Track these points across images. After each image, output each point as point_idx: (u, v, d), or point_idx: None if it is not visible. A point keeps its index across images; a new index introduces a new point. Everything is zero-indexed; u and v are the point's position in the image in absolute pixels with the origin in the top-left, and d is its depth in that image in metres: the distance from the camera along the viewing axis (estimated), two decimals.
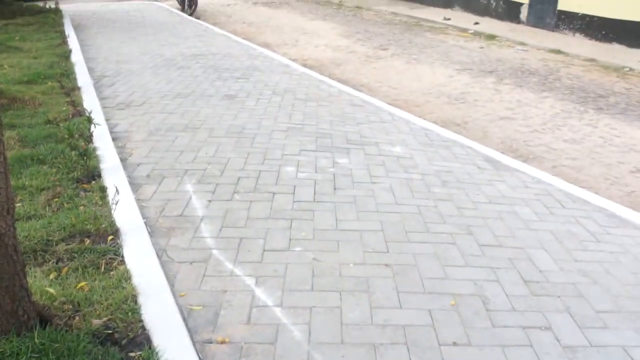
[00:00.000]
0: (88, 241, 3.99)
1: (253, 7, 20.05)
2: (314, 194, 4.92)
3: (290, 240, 4.15)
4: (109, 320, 3.22)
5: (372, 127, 6.81)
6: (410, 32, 15.01)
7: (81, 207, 4.47)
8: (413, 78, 10.16)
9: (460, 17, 17.15)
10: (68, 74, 8.50)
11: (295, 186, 5.04)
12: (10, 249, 2.88)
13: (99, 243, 3.98)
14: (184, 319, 3.29)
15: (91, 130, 5.18)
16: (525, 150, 6.74)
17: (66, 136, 5.22)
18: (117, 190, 4.34)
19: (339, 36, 14.41)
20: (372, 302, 3.50)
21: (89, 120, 5.10)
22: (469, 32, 15.24)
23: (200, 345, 3.11)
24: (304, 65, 10.58)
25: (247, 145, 5.96)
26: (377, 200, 4.88)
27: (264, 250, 4.00)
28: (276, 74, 9.33)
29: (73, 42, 11.53)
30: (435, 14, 17.52)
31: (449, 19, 16.84)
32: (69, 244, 3.96)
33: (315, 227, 4.36)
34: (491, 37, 14.49)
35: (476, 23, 16.17)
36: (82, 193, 4.75)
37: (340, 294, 3.56)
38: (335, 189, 5.04)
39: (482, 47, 13.28)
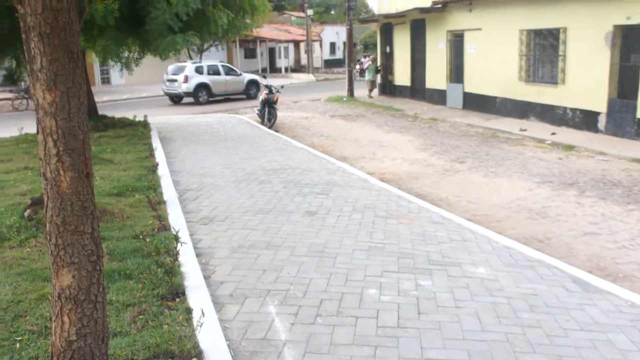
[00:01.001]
0: None
1: (330, 119, 20.58)
2: (398, 319, 4.80)
3: None
4: None
5: (454, 246, 6.70)
6: (487, 144, 15.00)
7: (165, 326, 4.50)
8: (492, 192, 10.04)
9: (536, 128, 17.06)
10: (155, 187, 8.83)
11: (378, 310, 4.94)
12: None
13: None
14: None
15: (177, 249, 5.28)
16: (614, 269, 6.45)
17: (153, 253, 5.34)
18: (202, 313, 4.36)
19: (415, 149, 14.53)
20: None
21: (176, 239, 5.21)
22: (547, 142, 15.11)
23: None
24: (382, 180, 10.65)
25: (329, 265, 5.94)
26: (462, 326, 4.71)
27: None
28: (355, 189, 9.41)
29: (159, 154, 12.05)
30: (511, 125, 17.51)
31: (525, 130, 16.78)
32: None
33: (400, 355, 4.22)
34: (569, 147, 14.30)
35: (553, 133, 16.03)
36: (166, 311, 4.79)
37: None
38: (419, 313, 4.91)
39: (561, 158, 13.09)
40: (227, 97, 29.42)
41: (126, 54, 18.30)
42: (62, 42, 2.72)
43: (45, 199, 2.79)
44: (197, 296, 5.01)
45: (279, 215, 7.72)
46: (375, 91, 28.42)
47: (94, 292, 2.82)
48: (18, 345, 4.30)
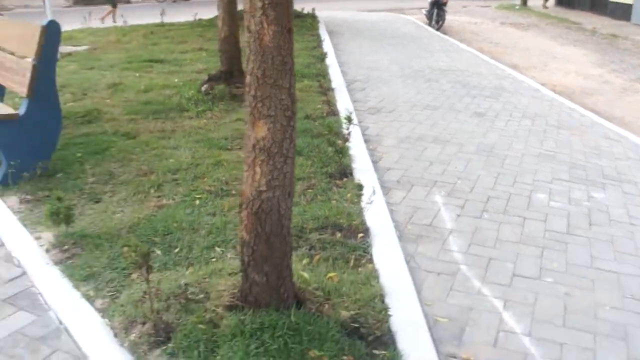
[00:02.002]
0: (339, 235, 4.12)
1: (500, 27, 19.65)
2: (567, 225, 4.64)
3: (540, 269, 3.95)
4: (356, 314, 3.27)
5: (630, 164, 6.30)
6: None
7: (333, 202, 4.65)
8: None
9: None
10: (324, 75, 8.93)
11: (547, 214, 4.80)
12: (285, 230, 3.05)
13: (350, 238, 4.10)
14: (429, 328, 3.26)
15: (349, 130, 5.36)
16: None
17: (325, 132, 5.46)
18: (373, 191, 4.45)
19: (591, 64, 13.59)
20: (630, 353, 3.21)
21: (349, 120, 5.28)
22: None
23: (444, 358, 3.06)
24: (553, 91, 10.11)
25: (497, 165, 5.81)
26: (637, 243, 4.48)
27: (513, 275, 3.85)
28: (525, 96, 9.01)
29: (327, 46, 12.11)
30: None
31: None
32: (322, 234, 4.12)
33: (568, 260, 4.11)
34: None
35: None
36: (334, 188, 4.94)
37: (595, 337, 3.31)
38: (590, 224, 4.72)
39: None
40: None
41: None
42: None
43: (248, 52, 2.87)
44: (365, 178, 5.11)
45: (447, 113, 7.59)
46: (551, 1, 26.64)
47: (286, 146, 2.92)
48: (197, 202, 4.64)
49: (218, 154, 5.64)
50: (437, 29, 17.55)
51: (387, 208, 4.64)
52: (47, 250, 3.96)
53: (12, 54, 5.81)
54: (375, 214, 4.46)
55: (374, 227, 4.27)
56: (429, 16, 18.33)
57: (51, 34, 5.11)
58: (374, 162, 5.61)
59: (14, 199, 4.77)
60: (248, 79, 2.88)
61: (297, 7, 18.54)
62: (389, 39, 14.40)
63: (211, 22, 15.99)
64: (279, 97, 2.84)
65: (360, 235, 4.14)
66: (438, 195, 5.00)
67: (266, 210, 2.94)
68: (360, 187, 4.32)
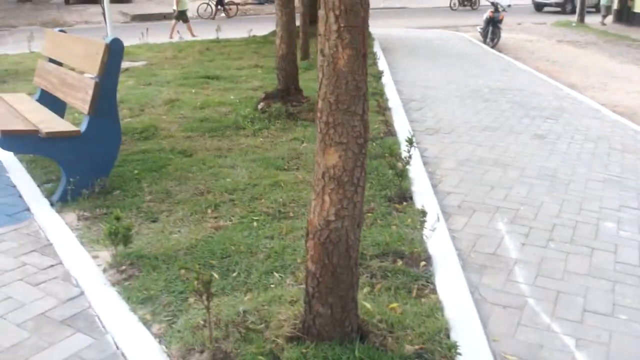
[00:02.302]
0: (400, 262, 4.00)
1: (557, 44, 19.27)
2: None
3: (613, 305, 3.76)
4: (421, 348, 3.16)
5: None
6: None
7: (393, 227, 4.54)
8: None
9: None
10: (380, 93, 8.84)
11: (616, 245, 4.58)
12: (352, 262, 2.96)
13: (412, 266, 3.98)
14: None
15: (410, 152, 5.25)
16: None
17: (385, 154, 5.36)
18: (438, 218, 4.32)
19: None
20: None
21: (410, 142, 5.17)
22: None
23: None
24: (614, 112, 9.79)
25: (561, 190, 5.60)
26: None
27: (584, 310, 3.67)
28: (586, 117, 8.75)
29: (382, 63, 12.02)
30: None
31: None
32: (382, 262, 4.01)
33: None
34: None
35: None
36: (394, 212, 4.83)
37: None
38: None
39: None
40: None
41: None
42: None
43: (320, 76, 2.79)
44: (425, 202, 4.98)
45: (506, 135, 7.40)
46: (610, 18, 26.05)
47: (357, 175, 2.83)
48: (255, 224, 4.58)
49: (275, 174, 5.59)
50: (492, 47, 17.33)
51: (449, 235, 4.51)
52: (105, 270, 3.96)
53: (73, 69, 5.89)
54: (437, 241, 4.33)
55: (436, 255, 4.14)
56: (484, 33, 18.13)
57: (114, 52, 5.15)
58: (434, 186, 5.48)
59: (72, 216, 4.81)
60: (320, 104, 2.81)
61: None
62: (444, 57, 14.25)
63: (265, 39, 16.13)
64: (352, 123, 2.76)
65: (423, 263, 4.02)
66: (501, 222, 4.83)
67: (334, 241, 2.86)
68: (422, 212, 4.19)
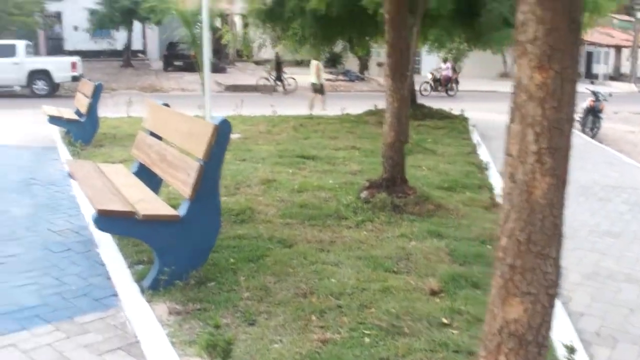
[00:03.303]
0: None
1: None
2: None
3: None
4: None
5: None
6: None
7: None
8: None
9: None
10: (487, 186, 8.33)
11: None
12: None
13: None
14: None
15: None
16: None
17: None
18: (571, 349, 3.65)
19: None
20: None
21: None
22: None
23: None
24: None
25: None
26: None
27: None
28: None
29: (483, 152, 11.52)
30: None
31: None
32: None
33: None
34: None
35: None
36: None
37: None
38: None
39: None
40: None
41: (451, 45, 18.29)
42: (564, 6, 2.20)
43: (507, 207, 2.33)
44: (559, 326, 4.37)
45: (632, 242, 6.69)
46: None
47: (543, 333, 2.32)
48: (367, 339, 4.08)
49: (384, 278, 5.10)
50: (592, 137, 16.60)
51: None
52: None
53: (174, 146, 5.65)
54: None
55: None
56: (583, 123, 17.45)
57: (222, 134, 4.90)
58: (563, 303, 4.87)
59: (163, 308, 4.47)
60: (504, 241, 2.34)
61: (445, 107, 18.23)
62: None
63: (359, 119, 15.97)
64: (544, 269, 2.28)
65: None
66: None
67: None
68: (569, 349, 3.58)
